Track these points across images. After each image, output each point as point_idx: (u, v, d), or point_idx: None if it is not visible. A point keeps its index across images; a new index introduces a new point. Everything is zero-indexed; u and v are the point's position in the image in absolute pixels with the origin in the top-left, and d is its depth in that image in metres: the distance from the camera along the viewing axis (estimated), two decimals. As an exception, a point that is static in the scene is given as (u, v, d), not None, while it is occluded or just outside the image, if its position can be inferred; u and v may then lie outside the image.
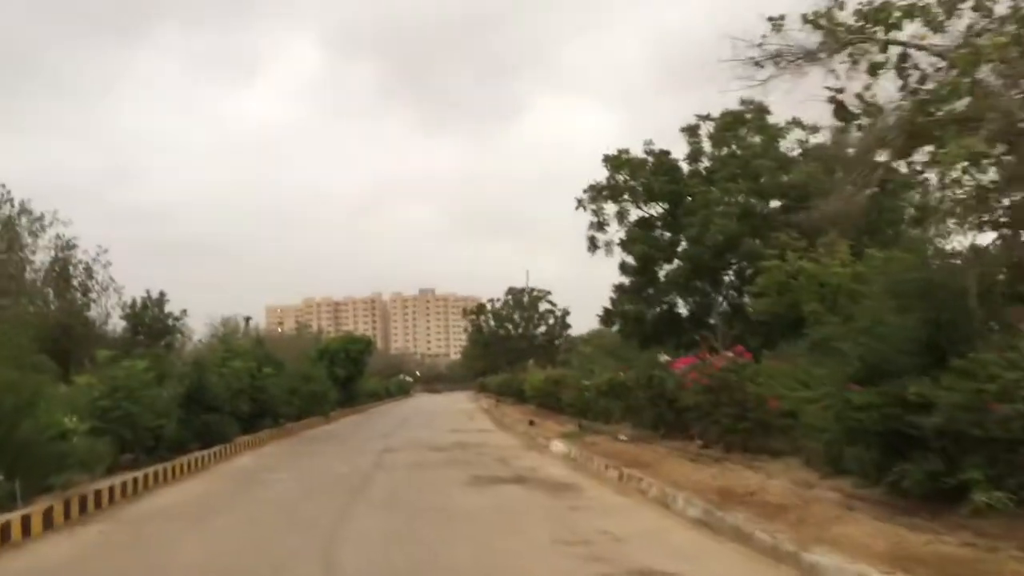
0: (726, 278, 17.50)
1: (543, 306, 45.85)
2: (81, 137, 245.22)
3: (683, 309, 17.24)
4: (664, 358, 14.33)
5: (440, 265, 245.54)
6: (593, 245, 17.89)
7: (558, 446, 16.78)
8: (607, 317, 16.45)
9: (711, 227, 16.50)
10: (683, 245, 17.52)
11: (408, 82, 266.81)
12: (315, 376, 33.97)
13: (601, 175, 19.03)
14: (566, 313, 46.40)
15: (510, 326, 45.24)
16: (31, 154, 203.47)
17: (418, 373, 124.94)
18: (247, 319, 52.65)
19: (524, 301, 45.11)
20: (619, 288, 17.81)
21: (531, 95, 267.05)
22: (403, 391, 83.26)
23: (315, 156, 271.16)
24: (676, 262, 17.69)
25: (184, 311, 35.39)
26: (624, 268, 18.20)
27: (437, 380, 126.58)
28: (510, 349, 44.65)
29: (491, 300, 45.85)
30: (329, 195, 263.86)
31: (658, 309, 17.04)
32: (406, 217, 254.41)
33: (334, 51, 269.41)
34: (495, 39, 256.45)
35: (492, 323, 45.25)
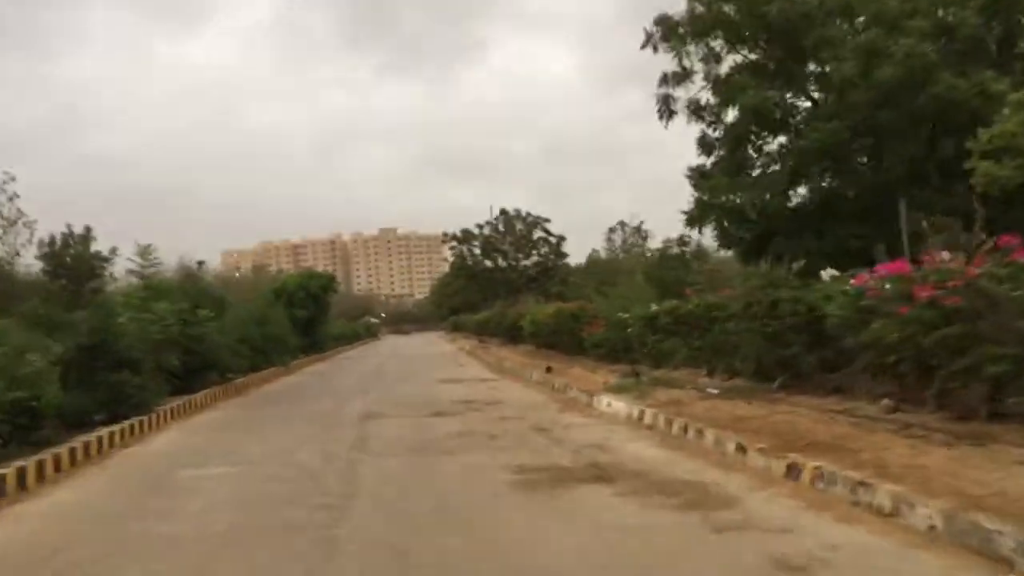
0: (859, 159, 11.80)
1: (536, 234, 40.25)
2: (32, 87, 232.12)
3: (801, 198, 11.48)
4: (830, 272, 9.43)
5: (402, 207, 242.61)
6: (667, 108, 12.03)
7: (613, 404, 11.92)
8: (699, 213, 10.92)
9: (886, 57, 10.84)
10: (800, 106, 11.73)
11: (369, 24, 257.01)
12: (271, 319, 28.69)
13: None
14: (561, 239, 40.97)
15: (498, 256, 39.63)
16: None
17: (383, 315, 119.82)
18: (200, 263, 46.83)
19: (517, 228, 39.40)
20: (699, 172, 12.01)
21: (493, 35, 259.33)
22: (371, 334, 78.29)
23: (275, 101, 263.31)
24: (784, 137, 11.87)
25: (114, 249, 29.52)
26: (704, 144, 12.31)
27: (404, 321, 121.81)
28: (497, 281, 39.30)
29: (479, 225, 40.27)
30: (290, 140, 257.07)
31: (767, 197, 11.17)
32: (368, 161, 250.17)
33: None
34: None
35: (478, 252, 39.63)
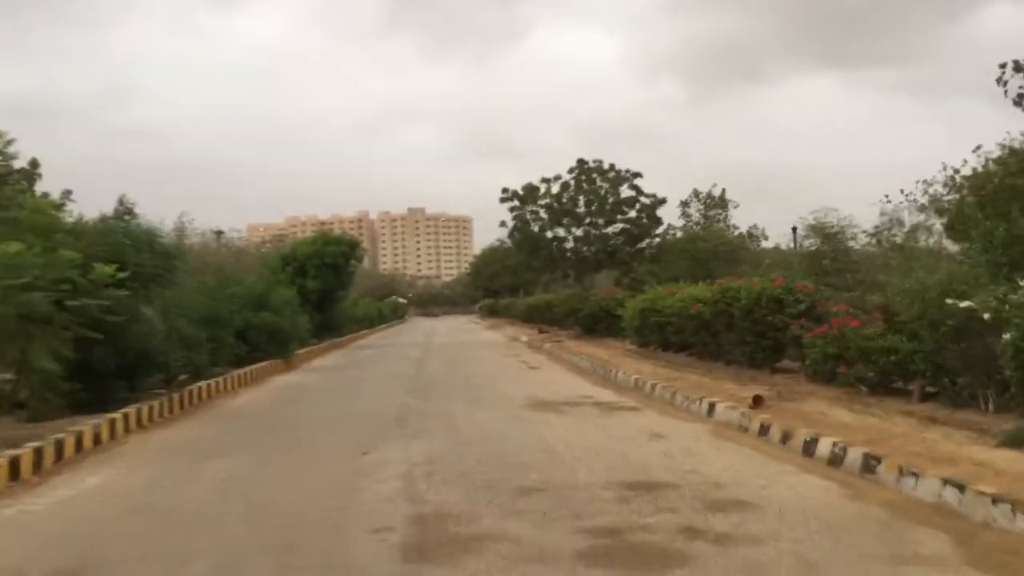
0: None
1: (623, 193, 30.32)
2: (80, 58, 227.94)
3: None
4: None
5: (435, 188, 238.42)
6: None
7: None
8: None
9: None
10: None
11: (412, 5, 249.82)
12: (277, 302, 20.45)
13: None
14: (658, 202, 30.65)
15: (572, 222, 29.71)
16: (30, 76, 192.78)
17: (411, 295, 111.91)
18: (219, 233, 39.11)
19: (598, 184, 29.39)
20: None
21: (533, 18, 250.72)
22: (398, 315, 70.32)
23: (317, 79, 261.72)
24: None
25: (35, 161, 21.27)
26: None
27: (432, 303, 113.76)
28: (566, 254, 30.02)
29: (545, 180, 30.28)
30: (330, 118, 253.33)
31: None
32: (405, 140, 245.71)
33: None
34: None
35: (545, 215, 30.07)
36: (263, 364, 18.30)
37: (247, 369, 16.96)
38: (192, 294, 14.58)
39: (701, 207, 40.37)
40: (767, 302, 11.61)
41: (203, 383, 13.79)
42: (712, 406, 9.71)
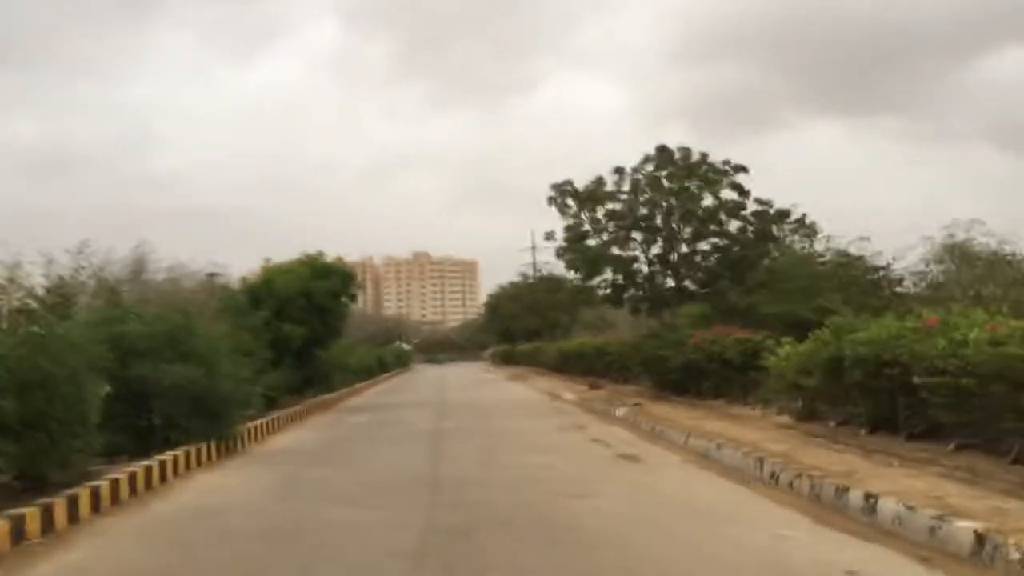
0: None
1: (721, 192, 21.62)
2: (97, 109, 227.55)
3: None
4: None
5: (441, 234, 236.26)
6: None
7: None
8: None
9: None
10: None
11: (424, 56, 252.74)
12: (203, 346, 12.79)
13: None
14: (777, 214, 22.02)
15: (643, 237, 20.85)
16: (49, 126, 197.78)
17: (415, 340, 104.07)
18: (212, 275, 31.84)
19: (686, 184, 20.21)
20: None
21: (541, 70, 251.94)
22: (401, 363, 62.66)
23: (326, 127, 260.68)
24: None
25: None
26: None
27: (439, 348, 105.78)
28: (635, 279, 21.44)
29: (618, 169, 21.38)
30: (337, 164, 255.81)
31: None
32: (411, 187, 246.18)
33: (351, 24, 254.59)
34: (512, 15, 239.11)
35: (609, 226, 21.20)
36: (171, 455, 10.70)
37: (128, 471, 9.34)
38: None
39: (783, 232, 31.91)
40: None
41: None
42: None
